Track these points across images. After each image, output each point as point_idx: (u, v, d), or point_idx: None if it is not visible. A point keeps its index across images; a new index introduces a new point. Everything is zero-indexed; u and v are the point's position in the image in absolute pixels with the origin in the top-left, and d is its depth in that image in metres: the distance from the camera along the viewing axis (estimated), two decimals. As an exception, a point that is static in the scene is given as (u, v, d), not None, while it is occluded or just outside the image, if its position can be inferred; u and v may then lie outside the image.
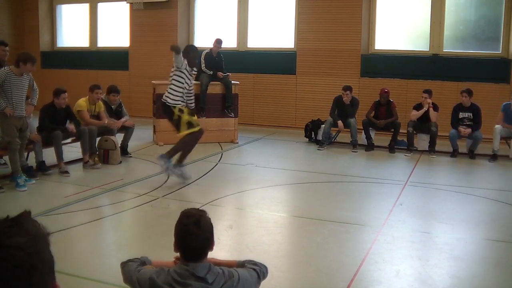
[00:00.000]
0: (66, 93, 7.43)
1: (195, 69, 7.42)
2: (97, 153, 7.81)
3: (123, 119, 8.30)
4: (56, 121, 7.36)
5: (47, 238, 1.16)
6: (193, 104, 7.24)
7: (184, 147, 6.78)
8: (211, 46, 10.19)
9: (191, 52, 6.90)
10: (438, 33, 10.66)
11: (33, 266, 1.07)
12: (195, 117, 7.13)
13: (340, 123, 9.42)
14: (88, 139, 7.50)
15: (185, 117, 6.67)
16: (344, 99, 9.51)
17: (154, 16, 12.64)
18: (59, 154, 7.19)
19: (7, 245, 1.06)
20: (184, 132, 6.62)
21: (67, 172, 7.16)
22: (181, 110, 6.71)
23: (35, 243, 1.10)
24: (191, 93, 7.09)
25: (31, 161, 7.17)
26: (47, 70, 13.76)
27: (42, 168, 7.08)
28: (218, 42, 10.12)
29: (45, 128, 7.24)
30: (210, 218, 2.36)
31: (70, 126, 7.62)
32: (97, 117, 7.92)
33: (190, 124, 6.67)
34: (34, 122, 7.53)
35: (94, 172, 7.42)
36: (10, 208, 5.64)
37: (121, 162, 7.86)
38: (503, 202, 6.22)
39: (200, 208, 2.49)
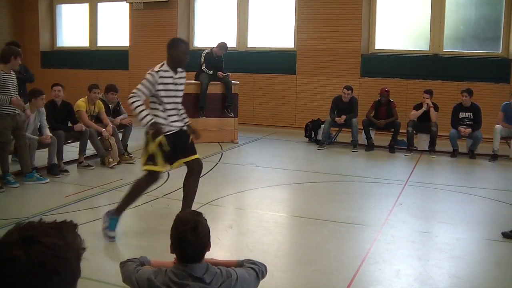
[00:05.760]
0: (59, 86, 7.51)
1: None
2: (109, 150, 7.77)
3: (120, 117, 8.32)
4: (57, 118, 7.37)
5: (80, 252, 1.19)
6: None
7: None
8: (211, 46, 10.09)
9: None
10: (438, 33, 10.66)
11: (56, 270, 1.08)
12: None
13: (338, 119, 9.43)
14: (86, 139, 7.53)
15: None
16: (343, 98, 9.54)
17: (154, 16, 12.63)
18: (60, 153, 7.21)
19: (40, 242, 1.09)
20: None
21: (66, 171, 7.22)
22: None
23: (67, 250, 1.13)
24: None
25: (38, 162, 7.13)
26: (47, 70, 13.76)
27: (52, 171, 7.03)
28: (223, 47, 9.85)
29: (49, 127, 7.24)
30: (206, 220, 2.35)
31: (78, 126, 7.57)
32: (97, 117, 7.93)
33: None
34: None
35: (94, 172, 7.42)
36: (10, 208, 5.66)
37: (119, 162, 7.83)
38: (503, 202, 6.21)
39: (197, 210, 2.49)
